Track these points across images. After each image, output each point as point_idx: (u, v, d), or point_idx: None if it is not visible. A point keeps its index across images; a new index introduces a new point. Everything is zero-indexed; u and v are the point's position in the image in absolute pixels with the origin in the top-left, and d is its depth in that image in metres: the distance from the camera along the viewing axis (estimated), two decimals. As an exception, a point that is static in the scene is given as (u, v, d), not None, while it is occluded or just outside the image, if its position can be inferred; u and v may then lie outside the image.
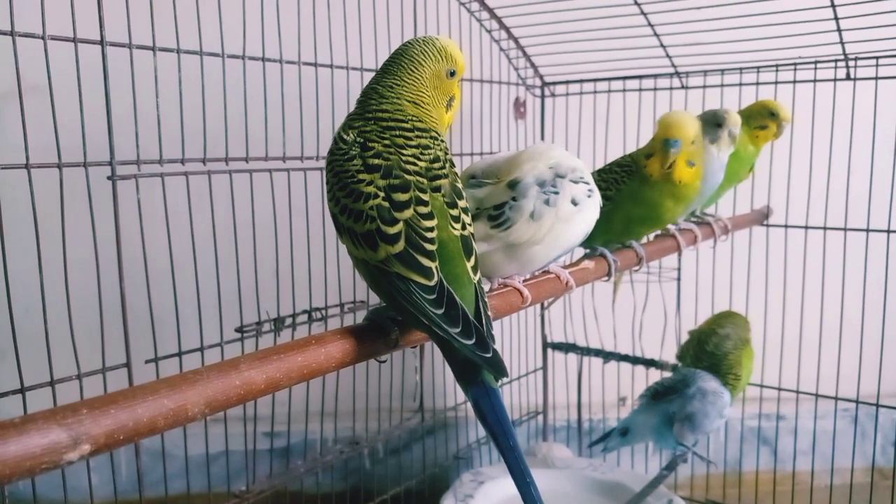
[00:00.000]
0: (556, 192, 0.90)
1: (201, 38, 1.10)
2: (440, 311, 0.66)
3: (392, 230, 0.67)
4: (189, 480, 1.22)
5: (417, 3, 1.41)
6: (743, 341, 1.41)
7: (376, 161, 0.70)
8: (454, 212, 0.72)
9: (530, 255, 0.91)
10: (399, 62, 0.78)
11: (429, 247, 0.68)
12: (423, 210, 0.69)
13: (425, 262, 0.67)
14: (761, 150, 1.41)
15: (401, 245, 0.67)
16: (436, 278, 0.67)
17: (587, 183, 0.93)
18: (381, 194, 0.69)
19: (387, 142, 0.72)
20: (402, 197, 0.69)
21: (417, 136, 0.74)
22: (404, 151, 0.72)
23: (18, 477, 0.44)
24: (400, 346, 0.75)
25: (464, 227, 0.73)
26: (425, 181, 0.71)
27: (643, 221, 1.17)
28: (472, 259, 0.72)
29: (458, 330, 0.65)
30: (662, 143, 1.11)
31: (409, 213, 0.68)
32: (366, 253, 0.68)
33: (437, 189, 0.72)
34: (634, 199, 1.15)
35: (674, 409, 1.32)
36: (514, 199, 0.90)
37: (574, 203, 0.90)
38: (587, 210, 0.92)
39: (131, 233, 1.05)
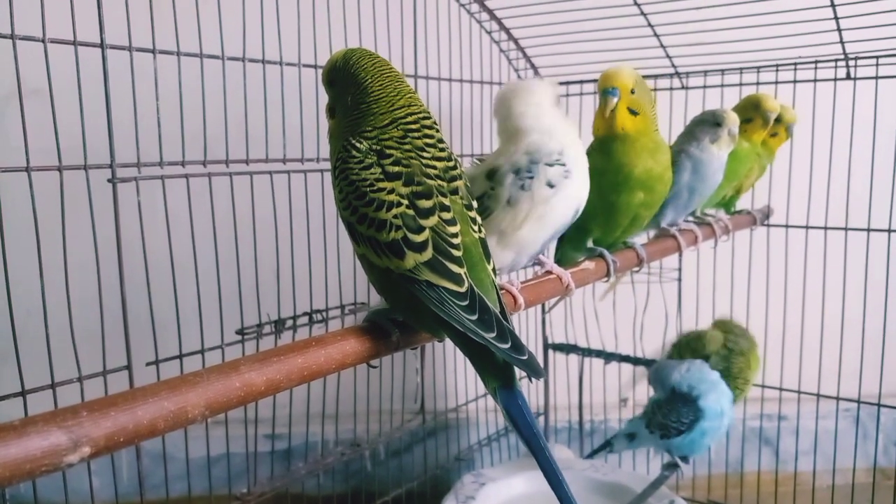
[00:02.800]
0: (532, 177, 0.92)
1: (201, 40, 1.10)
2: (474, 318, 0.66)
3: (419, 238, 0.67)
4: (190, 483, 1.21)
5: (417, 5, 1.41)
6: (743, 350, 1.41)
7: (396, 168, 0.69)
8: (471, 214, 0.72)
9: (518, 239, 0.93)
10: (378, 69, 0.76)
11: (456, 253, 0.68)
12: (447, 216, 0.69)
13: (455, 268, 0.67)
14: (758, 146, 1.41)
15: (429, 253, 0.67)
16: (466, 284, 0.67)
17: (563, 164, 0.93)
18: (405, 202, 0.68)
19: (407, 147, 0.71)
20: (427, 204, 0.68)
21: (437, 131, 0.75)
22: (424, 154, 0.71)
23: (19, 479, 0.44)
24: (400, 347, 0.75)
25: (479, 230, 0.73)
26: (445, 185, 0.71)
27: (616, 189, 1.11)
28: (491, 262, 0.73)
29: (493, 335, 0.66)
30: (601, 94, 1.11)
31: (434, 219, 0.68)
32: (391, 262, 0.67)
33: (455, 192, 0.72)
34: (597, 167, 1.09)
35: (675, 449, 1.33)
36: (491, 188, 0.94)
37: (550, 185, 0.92)
38: (566, 189, 0.93)
39: (132, 235, 1.05)
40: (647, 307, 1.72)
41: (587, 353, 1.72)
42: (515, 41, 1.66)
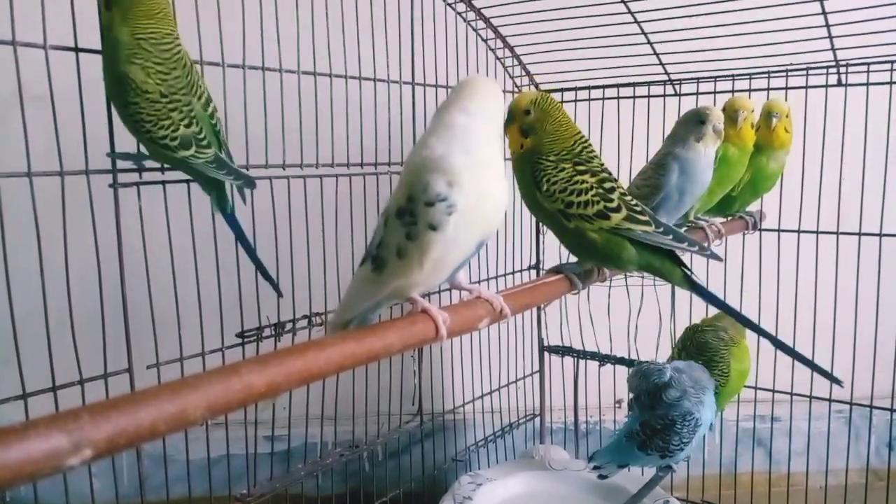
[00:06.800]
0: (415, 224, 0.77)
1: (201, 47, 1.11)
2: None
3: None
4: (190, 484, 1.23)
5: (414, 13, 1.43)
6: (733, 340, 1.42)
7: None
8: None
9: (417, 282, 0.80)
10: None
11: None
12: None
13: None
14: (749, 151, 1.41)
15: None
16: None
17: (445, 199, 0.76)
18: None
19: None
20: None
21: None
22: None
23: (20, 482, 0.45)
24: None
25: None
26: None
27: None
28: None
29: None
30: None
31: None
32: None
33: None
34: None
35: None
36: (382, 238, 0.80)
37: (432, 228, 0.76)
38: (451, 228, 0.76)
39: (133, 239, 1.06)
40: (641, 310, 1.73)
41: (582, 355, 1.73)
42: (511, 48, 1.68)
